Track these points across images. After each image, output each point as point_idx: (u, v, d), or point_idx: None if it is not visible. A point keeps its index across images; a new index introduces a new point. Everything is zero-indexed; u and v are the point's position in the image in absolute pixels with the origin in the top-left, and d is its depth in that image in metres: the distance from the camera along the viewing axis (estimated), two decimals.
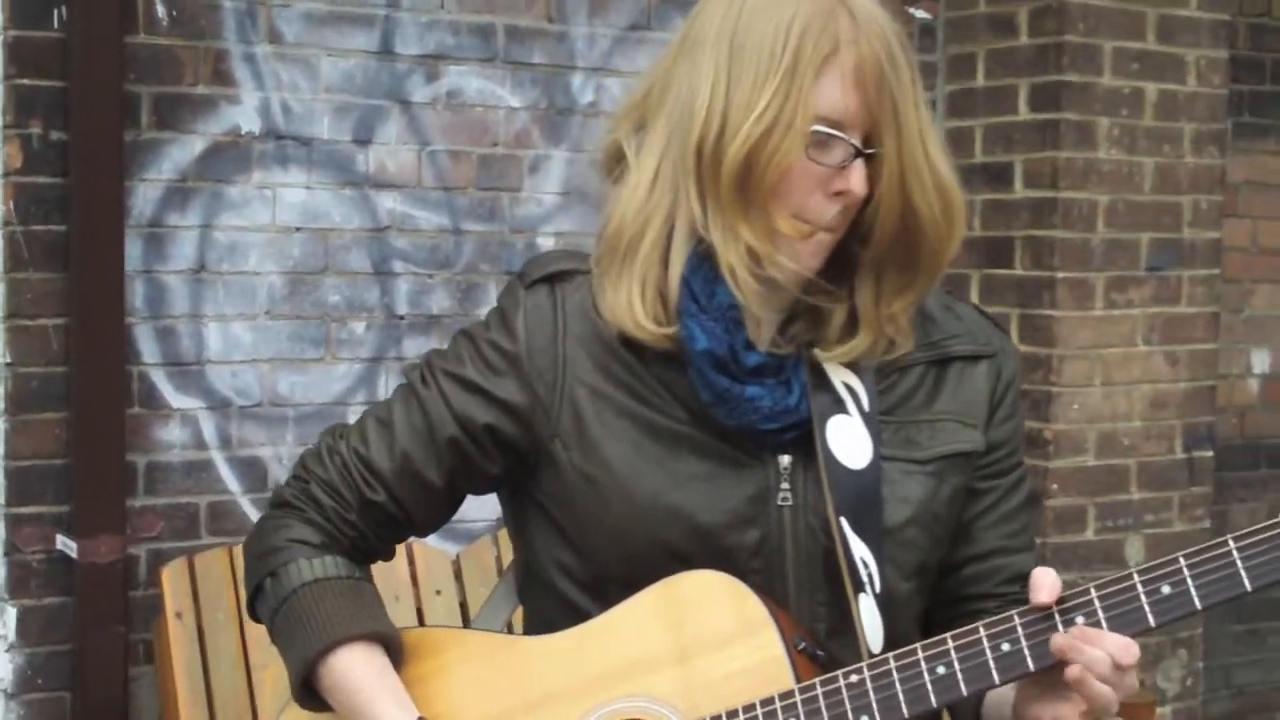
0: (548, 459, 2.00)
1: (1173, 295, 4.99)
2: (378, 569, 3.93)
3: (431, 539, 4.12)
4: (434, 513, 2.10)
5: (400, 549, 3.97)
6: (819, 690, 1.84)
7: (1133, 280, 4.92)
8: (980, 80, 5.02)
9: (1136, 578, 1.79)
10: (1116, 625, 1.78)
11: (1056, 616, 1.79)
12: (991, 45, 4.97)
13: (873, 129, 1.85)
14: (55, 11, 3.83)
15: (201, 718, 3.80)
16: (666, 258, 1.93)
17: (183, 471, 4.07)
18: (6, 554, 3.89)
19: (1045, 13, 4.82)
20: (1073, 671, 1.77)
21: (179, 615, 3.84)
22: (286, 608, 2.03)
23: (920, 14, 5.07)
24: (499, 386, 2.00)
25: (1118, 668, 1.77)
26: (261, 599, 2.07)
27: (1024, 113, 4.89)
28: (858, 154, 1.85)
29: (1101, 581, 1.80)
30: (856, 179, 1.86)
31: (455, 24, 4.35)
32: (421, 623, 4.13)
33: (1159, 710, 4.93)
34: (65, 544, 3.88)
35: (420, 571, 4.16)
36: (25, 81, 3.83)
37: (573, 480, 1.98)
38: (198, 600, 3.87)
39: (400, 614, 4.08)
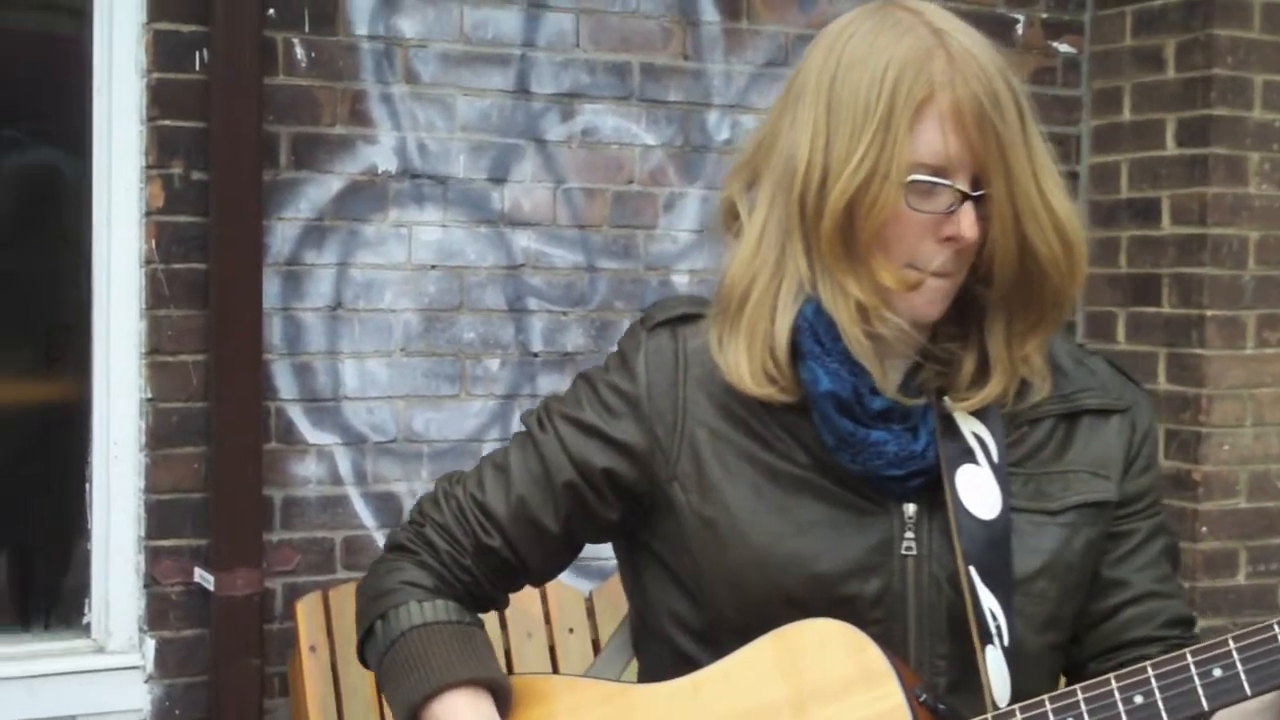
0: (665, 503, 1.97)
1: None
2: (512, 610, 3.97)
3: (565, 577, 4.15)
4: (549, 560, 2.08)
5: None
6: None
7: None
8: (1127, 115, 4.93)
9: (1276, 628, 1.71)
10: (1258, 678, 1.70)
11: (1193, 669, 1.71)
12: (1138, 79, 4.89)
13: (980, 171, 1.81)
14: (197, 54, 3.91)
15: None
16: (775, 314, 1.91)
17: (319, 506, 4.11)
18: (146, 586, 3.96)
19: (1193, 46, 4.73)
20: None
21: (313, 649, 3.88)
22: (395, 651, 2.01)
23: (1065, 48, 5.00)
24: (618, 429, 1.99)
25: None
26: (371, 642, 2.07)
27: (1171, 148, 4.80)
28: (965, 197, 1.82)
29: (1239, 633, 1.72)
30: (966, 223, 1.82)
31: (591, 63, 4.36)
32: (554, 660, 4.13)
33: None
34: (203, 577, 3.94)
35: (553, 609, 4.16)
36: (167, 123, 3.91)
37: (690, 524, 1.95)
38: (332, 634, 3.90)
39: (533, 651, 4.09)
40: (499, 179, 4.28)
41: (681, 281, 4.45)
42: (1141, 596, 1.97)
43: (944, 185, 1.82)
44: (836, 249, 1.86)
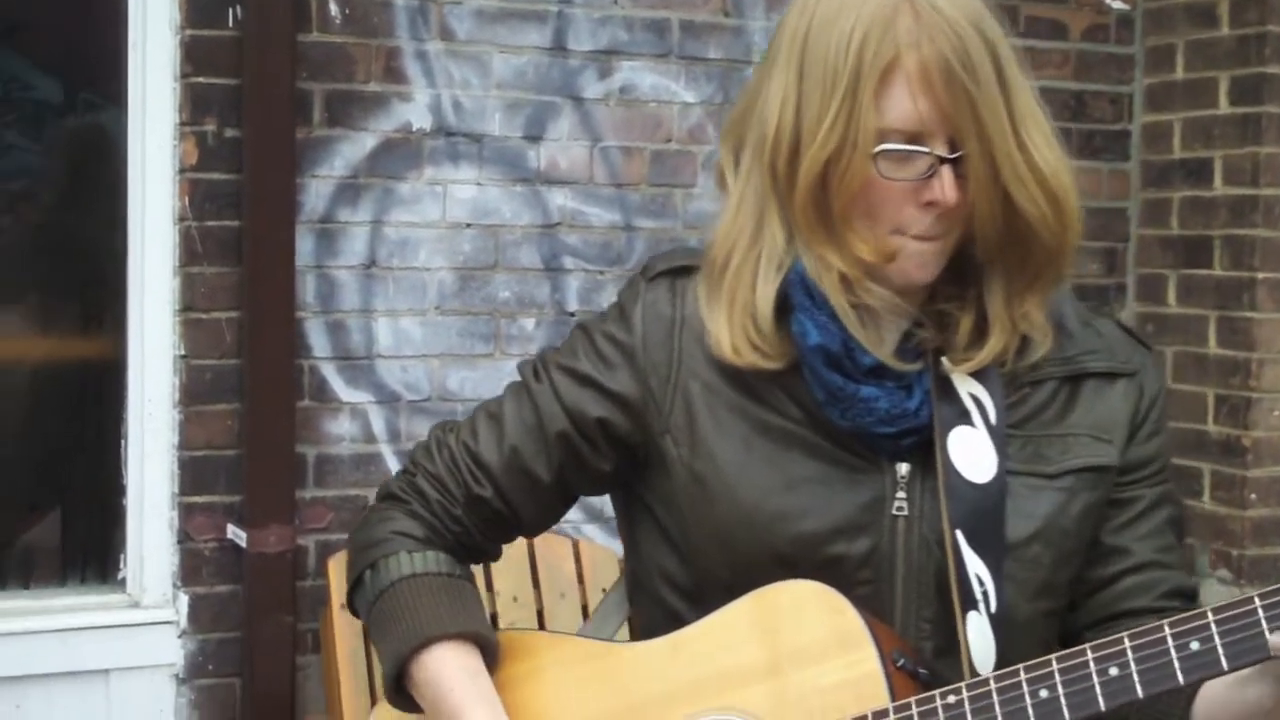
0: (658, 455, 1.95)
1: None
2: (545, 567, 3.96)
3: (599, 537, 4.17)
4: (542, 511, 2.06)
5: (567, 546, 4.06)
6: (914, 710, 1.76)
7: None
8: (1179, 73, 4.84)
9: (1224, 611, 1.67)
10: (1236, 652, 1.66)
11: (1170, 642, 1.67)
12: (1191, 36, 4.79)
13: (954, 132, 1.76)
14: (230, 11, 3.90)
15: (364, 707, 3.84)
16: (755, 282, 1.88)
17: (352, 464, 4.12)
18: (179, 542, 3.98)
19: (1247, 3, 4.63)
20: None
21: (345, 606, 3.88)
22: (383, 601, 2.00)
23: (1117, 5, 4.91)
24: (612, 379, 1.97)
25: None
26: (360, 591, 2.06)
27: (1224, 106, 4.71)
28: (941, 161, 1.77)
29: (1220, 605, 1.67)
30: (944, 187, 1.78)
31: (629, 19, 4.33)
32: (587, 620, 4.12)
33: None
34: (236, 534, 3.96)
35: (586, 569, 4.15)
36: (200, 80, 3.91)
37: (681, 478, 1.93)
38: None
39: (566, 611, 4.09)
40: (535, 137, 4.26)
41: None
42: (1142, 565, 1.93)
43: (916, 151, 1.77)
44: (812, 219, 1.83)
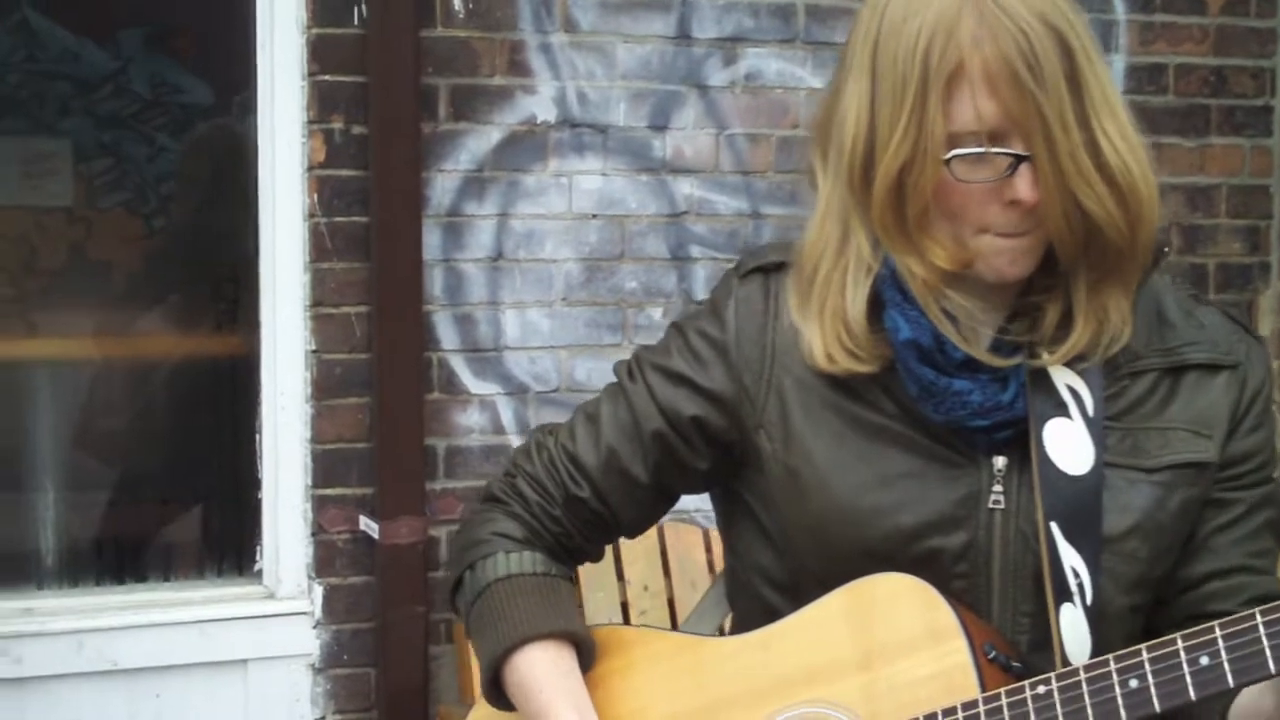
0: (753, 452, 1.95)
1: None
2: (676, 557, 3.96)
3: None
4: (640, 511, 2.06)
5: (698, 535, 4.07)
6: (1004, 701, 1.74)
7: None
8: None
9: None
10: None
11: (1262, 630, 1.63)
12: None
13: (1021, 132, 1.73)
14: (355, 9, 3.95)
15: None
16: (844, 290, 1.86)
17: (481, 455, 4.15)
18: (313, 534, 4.04)
19: None
20: None
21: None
22: (481, 602, 2.02)
23: None
24: (706, 377, 1.96)
25: None
26: (461, 592, 2.07)
27: None
28: (1018, 160, 1.73)
29: None
30: (1022, 186, 1.74)
31: (754, 5, 4.31)
32: (673, 613, 4.12)
33: None
34: (368, 525, 4.01)
35: (718, 559, 4.14)
36: (327, 78, 3.96)
37: (775, 473, 1.92)
38: None
39: (696, 600, 4.08)
40: (660, 126, 4.26)
41: None
42: (1231, 570, 1.88)
43: (989, 153, 1.74)
44: (890, 227, 1.80)
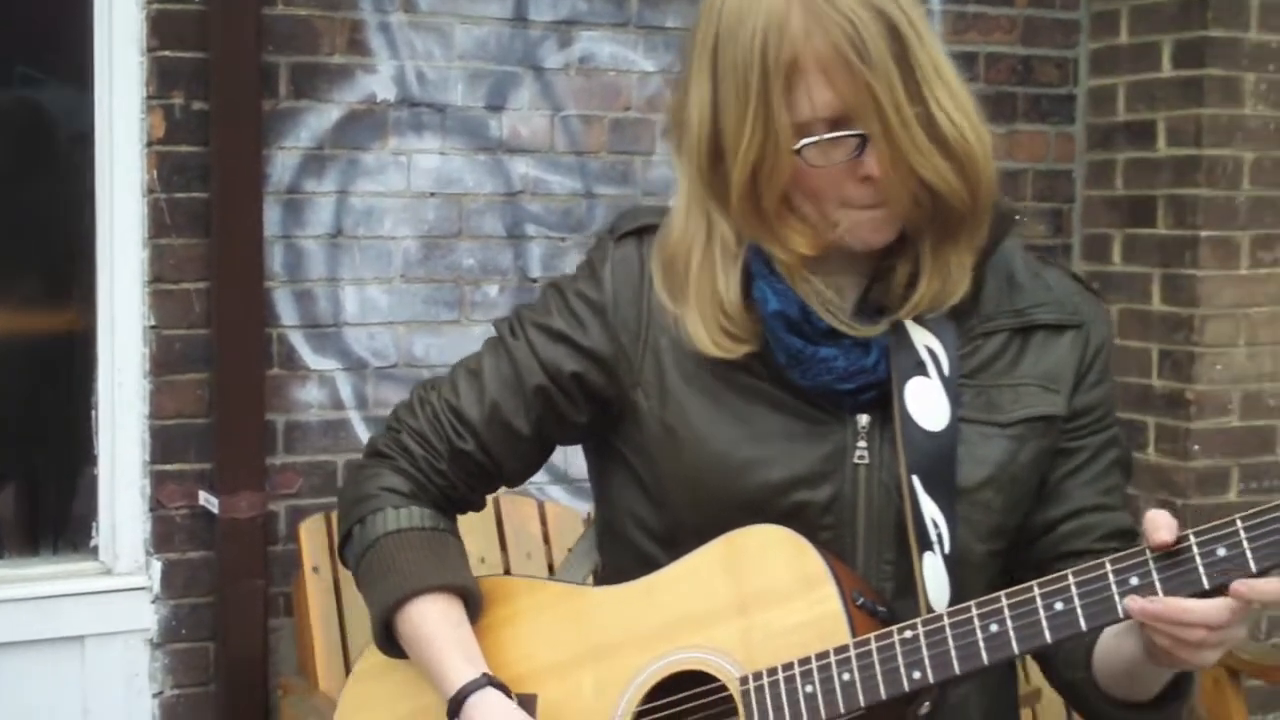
0: (630, 408, 2.03)
1: None
2: (511, 528, 4.04)
3: (563, 498, 4.26)
4: (522, 462, 2.14)
5: (533, 508, 4.14)
6: (873, 645, 1.85)
7: (1279, 238, 4.83)
8: (1123, 37, 4.94)
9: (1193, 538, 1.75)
10: (1172, 587, 1.74)
11: (1110, 578, 1.76)
12: (1135, 1, 4.89)
13: (856, 114, 1.83)
14: None
15: (337, 667, 3.92)
16: (716, 277, 1.96)
17: (320, 430, 4.19)
18: (151, 510, 4.04)
19: None
20: (1161, 641, 1.75)
21: (316, 569, 3.95)
22: (370, 556, 2.09)
23: None
24: (585, 336, 2.04)
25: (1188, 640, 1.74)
26: (350, 546, 2.14)
27: (1167, 69, 4.81)
28: (864, 140, 1.83)
29: (1155, 543, 1.76)
30: (870, 163, 1.84)
31: None
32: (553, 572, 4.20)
33: None
34: (207, 500, 4.02)
35: (552, 530, 4.23)
36: (167, 53, 3.96)
37: (652, 430, 2.01)
38: (334, 555, 3.96)
39: (532, 570, 4.16)
40: (497, 107, 4.32)
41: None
42: (1083, 510, 2.02)
43: (835, 137, 1.84)
44: (750, 219, 1.90)
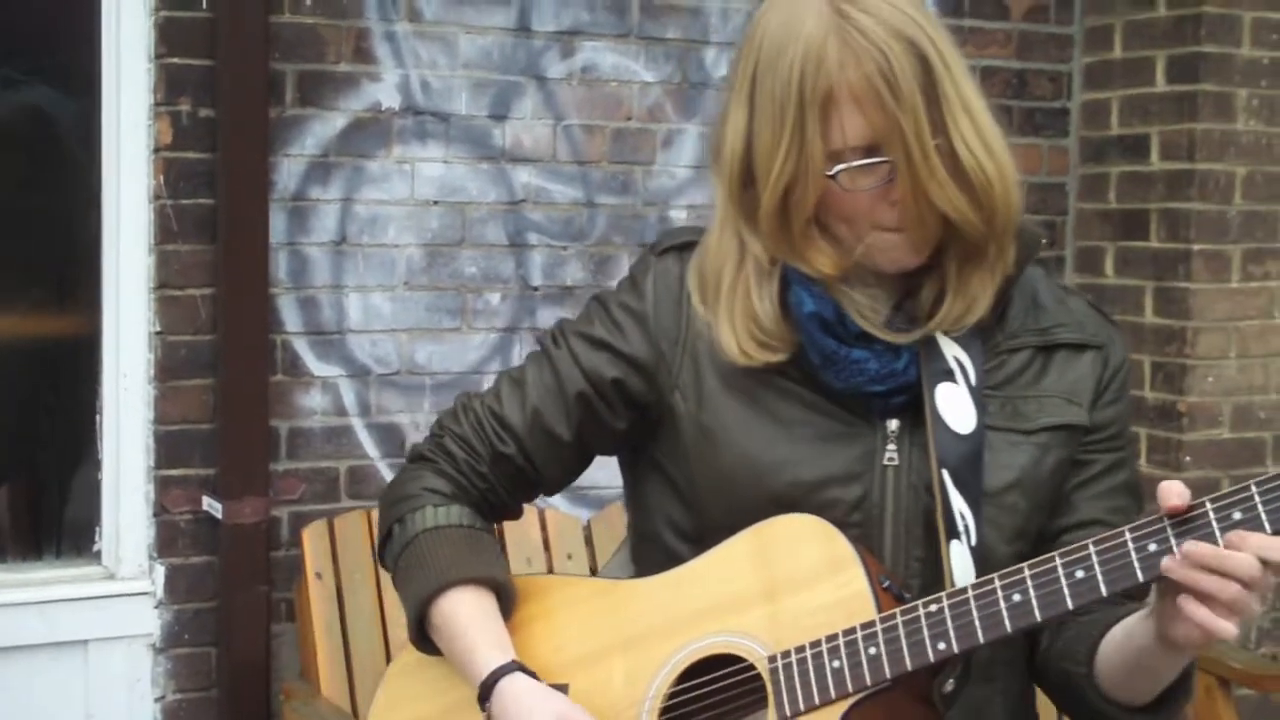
0: (668, 412, 2.10)
1: None
2: (512, 536, 4.07)
3: (563, 505, 4.28)
4: (562, 469, 2.20)
5: (533, 515, 4.16)
6: (899, 620, 1.90)
7: (1270, 252, 4.87)
8: (1117, 52, 4.99)
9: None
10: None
11: (1130, 544, 1.82)
12: (1129, 17, 4.94)
13: (884, 143, 1.91)
14: None
15: (340, 673, 3.93)
16: (750, 294, 2.04)
17: (323, 437, 4.20)
18: (155, 515, 4.05)
19: None
20: (1191, 610, 1.78)
21: (319, 575, 3.97)
22: (408, 552, 2.15)
23: None
24: (626, 342, 2.12)
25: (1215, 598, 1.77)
26: (390, 544, 2.19)
27: (1161, 84, 4.86)
28: (893, 166, 1.91)
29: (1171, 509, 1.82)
30: (900, 188, 1.93)
31: (590, 0, 4.42)
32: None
33: None
34: (211, 505, 4.03)
35: (552, 536, 4.25)
36: (175, 61, 3.98)
37: (689, 431, 2.08)
38: (337, 561, 3.99)
39: None
40: (500, 116, 4.35)
41: (679, 217, 4.53)
42: (1086, 523, 2.08)
43: (868, 163, 1.92)
44: (779, 241, 2.00)
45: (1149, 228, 4.90)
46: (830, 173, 1.92)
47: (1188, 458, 4.83)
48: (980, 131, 1.94)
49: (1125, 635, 1.94)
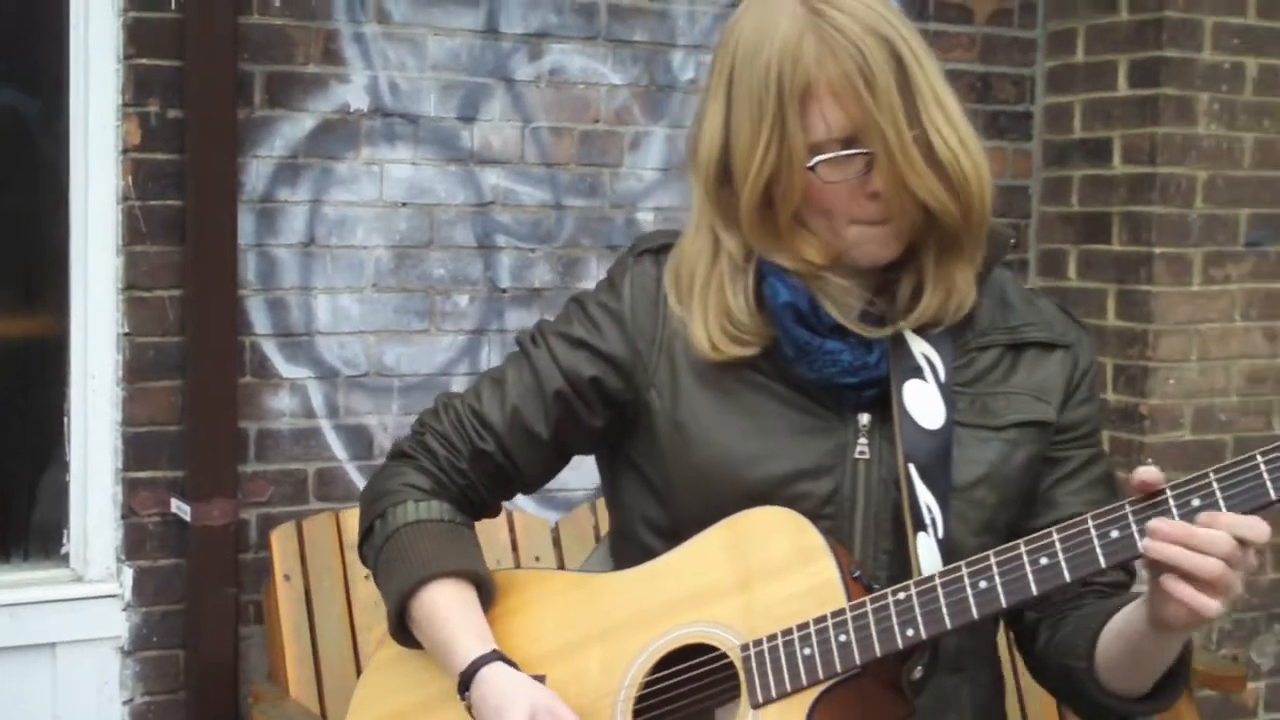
0: (644, 410, 2.14)
1: (1272, 271, 4.98)
2: (480, 537, 4.05)
3: (531, 507, 4.28)
4: (540, 467, 2.24)
5: (501, 516, 4.13)
6: (869, 607, 1.94)
7: (1231, 256, 4.92)
8: (1080, 56, 5.03)
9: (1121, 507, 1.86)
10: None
11: (1092, 531, 1.86)
12: (1091, 21, 4.98)
13: (864, 135, 1.95)
14: None
15: (308, 675, 3.92)
16: (724, 290, 2.08)
17: (292, 439, 4.20)
18: (123, 517, 4.04)
19: None
20: (1174, 589, 1.81)
21: (287, 577, 3.96)
22: (389, 546, 2.18)
23: None
24: (603, 341, 2.16)
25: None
26: (370, 539, 2.22)
27: (1123, 88, 4.90)
28: (872, 158, 1.95)
29: (1135, 499, 1.86)
30: (877, 179, 1.97)
31: (558, 3, 4.43)
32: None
33: (1251, 685, 4.95)
34: (179, 508, 4.02)
35: (520, 538, 4.25)
36: (143, 61, 3.96)
37: (664, 428, 2.11)
38: (305, 563, 3.98)
39: None
40: (468, 118, 4.35)
41: (646, 219, 4.54)
42: (1068, 518, 2.07)
43: (847, 154, 1.96)
44: (761, 233, 2.04)
45: (1111, 231, 4.94)
46: (810, 164, 1.96)
47: (1149, 460, 4.86)
48: (954, 125, 1.99)
49: (1123, 624, 1.99)
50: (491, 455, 2.19)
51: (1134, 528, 1.83)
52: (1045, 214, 5.15)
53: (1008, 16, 5.05)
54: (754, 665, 1.98)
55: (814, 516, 2.02)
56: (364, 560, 2.26)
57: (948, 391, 2.06)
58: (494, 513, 2.31)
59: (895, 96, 1.93)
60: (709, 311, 2.08)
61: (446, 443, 2.21)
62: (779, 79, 1.95)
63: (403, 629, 2.17)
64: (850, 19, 1.95)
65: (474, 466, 2.20)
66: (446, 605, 2.12)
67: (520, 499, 4.31)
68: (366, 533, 2.23)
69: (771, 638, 1.97)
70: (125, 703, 4.06)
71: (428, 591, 2.13)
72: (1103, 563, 1.86)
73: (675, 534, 2.11)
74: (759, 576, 2.01)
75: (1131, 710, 2.05)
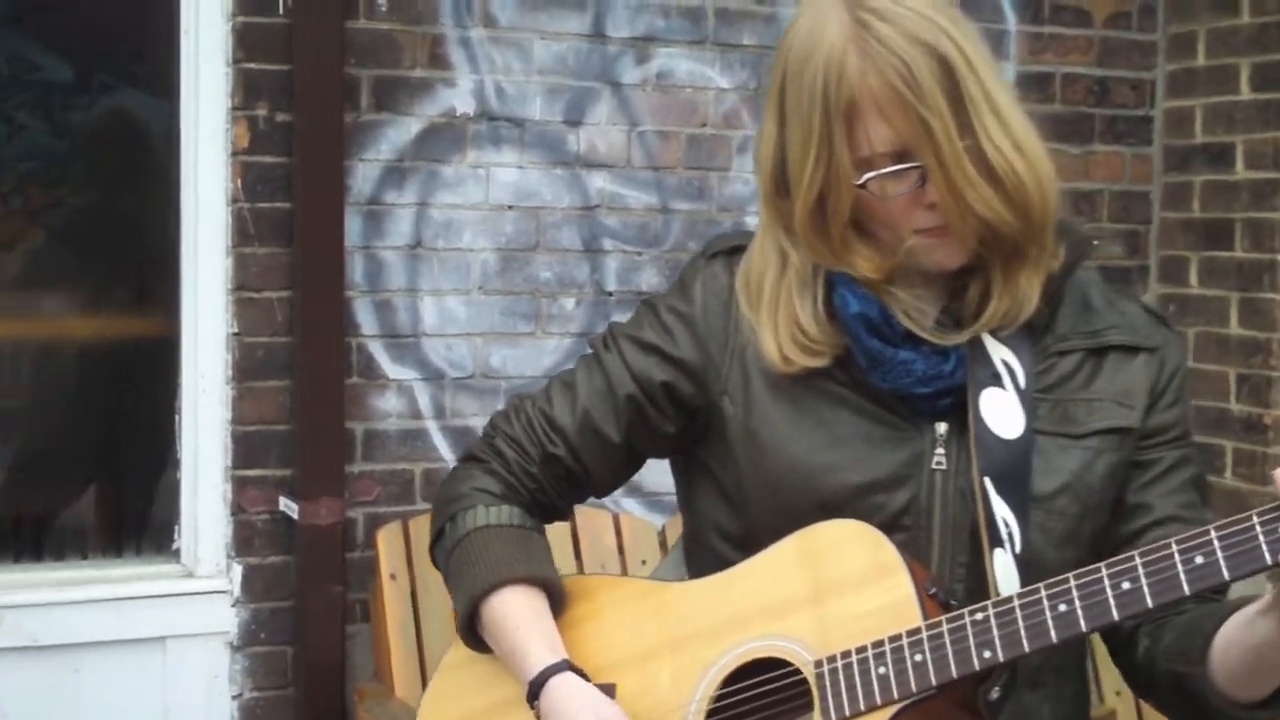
0: (716, 416, 2.10)
1: None
2: (586, 540, 4.08)
3: (638, 510, 4.29)
4: (611, 471, 2.21)
5: (608, 520, 4.17)
6: (945, 627, 1.89)
7: None
8: (1201, 60, 4.94)
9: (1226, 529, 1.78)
10: (1235, 564, 1.75)
11: (1176, 555, 1.79)
12: (1213, 24, 4.89)
13: (913, 148, 1.91)
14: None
15: (413, 674, 3.96)
16: (793, 301, 2.05)
17: (398, 439, 4.23)
18: (232, 514, 4.10)
19: None
20: None
21: (393, 577, 4.00)
22: (459, 550, 2.16)
23: None
24: (675, 346, 2.12)
25: None
26: (441, 543, 2.21)
27: (1246, 92, 4.80)
28: (923, 170, 1.91)
29: (1221, 523, 1.79)
30: (933, 191, 1.92)
31: (665, 6, 4.44)
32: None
33: None
34: (288, 506, 4.08)
35: (627, 541, 4.26)
36: (252, 66, 4.03)
37: (737, 435, 2.07)
38: (411, 562, 4.02)
39: None
40: (575, 121, 4.37)
41: (754, 223, 4.46)
42: (1164, 520, 2.05)
43: (896, 171, 1.92)
44: (818, 248, 2.00)
45: (1234, 237, 4.84)
46: (859, 181, 1.92)
47: (1275, 470, 4.73)
48: (1009, 130, 1.93)
49: (1244, 631, 1.89)
50: (562, 459, 2.17)
51: (1219, 555, 1.76)
52: (1166, 220, 5.05)
53: (1126, 19, 4.97)
54: (827, 682, 1.93)
55: (890, 528, 1.97)
56: (435, 563, 2.24)
57: (1028, 399, 2.01)
58: (565, 516, 2.28)
59: (944, 107, 1.88)
60: (779, 322, 2.04)
61: (517, 446, 2.19)
62: (824, 94, 1.91)
63: (472, 633, 2.15)
64: (894, 29, 1.89)
65: (544, 470, 2.18)
66: (517, 612, 2.10)
67: (627, 502, 4.35)
68: (438, 536, 2.22)
69: (845, 655, 1.93)
70: (234, 697, 4.12)
71: (498, 597, 2.11)
72: (1186, 590, 1.78)
73: (747, 542, 2.07)
74: (833, 591, 1.97)
75: (1251, 717, 1.96)
